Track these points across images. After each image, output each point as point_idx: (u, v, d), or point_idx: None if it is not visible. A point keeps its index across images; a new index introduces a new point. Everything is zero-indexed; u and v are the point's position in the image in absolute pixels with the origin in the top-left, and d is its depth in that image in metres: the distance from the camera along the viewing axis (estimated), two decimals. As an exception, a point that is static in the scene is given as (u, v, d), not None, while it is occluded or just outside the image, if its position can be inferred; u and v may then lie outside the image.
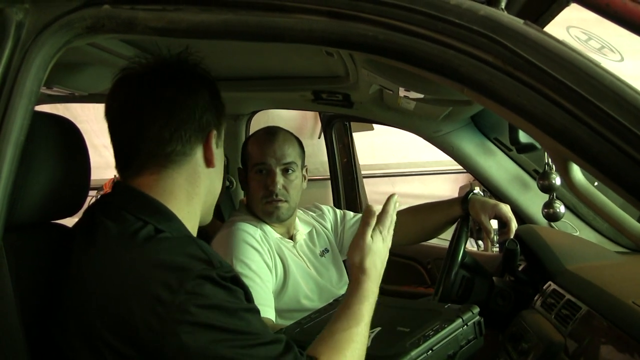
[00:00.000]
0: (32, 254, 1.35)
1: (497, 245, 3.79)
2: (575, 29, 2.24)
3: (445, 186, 6.53)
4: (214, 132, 1.48)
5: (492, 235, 2.48)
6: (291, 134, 2.53)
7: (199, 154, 1.46)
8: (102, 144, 6.97)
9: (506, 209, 2.42)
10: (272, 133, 2.47)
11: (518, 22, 1.08)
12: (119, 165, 1.46)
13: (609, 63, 2.23)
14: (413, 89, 1.99)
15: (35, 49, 1.20)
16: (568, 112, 1.03)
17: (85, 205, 1.53)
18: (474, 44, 1.07)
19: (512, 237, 2.37)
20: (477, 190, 2.65)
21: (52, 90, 2.34)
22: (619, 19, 1.10)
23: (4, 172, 1.15)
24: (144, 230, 1.29)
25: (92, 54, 1.92)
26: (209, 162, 1.47)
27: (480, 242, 5.50)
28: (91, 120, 6.72)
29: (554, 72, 1.03)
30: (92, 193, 5.71)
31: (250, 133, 3.49)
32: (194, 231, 1.47)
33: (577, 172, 1.48)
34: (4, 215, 1.16)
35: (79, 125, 1.50)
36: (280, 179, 2.40)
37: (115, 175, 5.62)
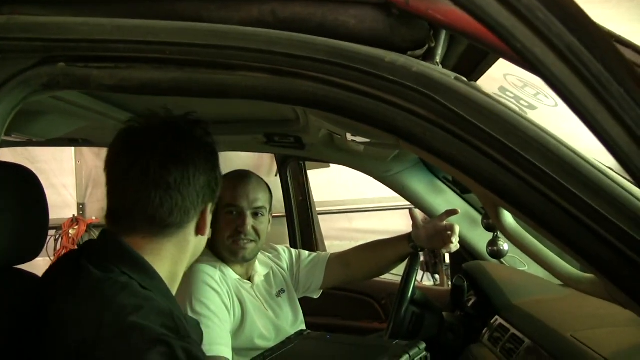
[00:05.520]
0: None
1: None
2: (511, 76, 2.32)
3: (401, 221, 6.56)
4: (210, 204, 1.52)
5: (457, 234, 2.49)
6: (261, 178, 2.59)
7: (192, 224, 1.49)
8: (60, 183, 7.00)
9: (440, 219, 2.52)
10: (245, 177, 2.53)
11: (449, 77, 1.12)
12: (110, 218, 1.47)
13: (544, 108, 2.33)
14: (358, 134, 2.05)
15: (-6, 105, 1.24)
16: (496, 162, 1.07)
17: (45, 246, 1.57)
18: (407, 98, 1.11)
19: (457, 240, 2.43)
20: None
21: (10, 137, 2.37)
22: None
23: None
24: (129, 285, 1.31)
25: (49, 103, 1.94)
26: (200, 230, 1.51)
27: (436, 276, 5.56)
28: (49, 161, 6.70)
29: (482, 124, 1.07)
30: (51, 232, 5.60)
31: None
32: (174, 289, 1.49)
33: (508, 216, 1.54)
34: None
35: (38, 165, 1.54)
36: (250, 221, 2.45)
37: (74, 215, 5.53)
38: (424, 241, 2.52)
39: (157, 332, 1.20)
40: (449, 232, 2.44)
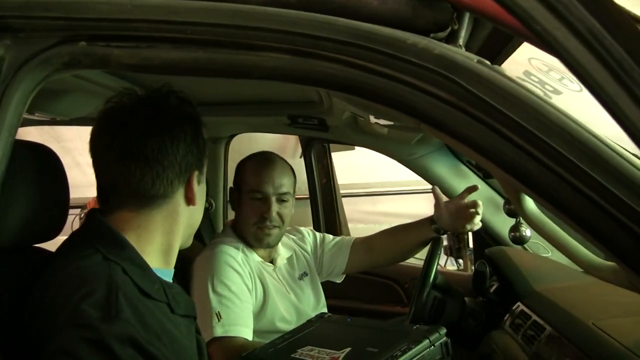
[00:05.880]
0: (12, 276, 1.38)
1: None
2: (536, 60, 2.29)
3: (425, 205, 6.52)
4: (196, 172, 1.51)
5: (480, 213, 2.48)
6: (286, 162, 2.59)
7: (180, 194, 1.49)
8: (86, 162, 6.95)
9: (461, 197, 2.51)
10: (270, 161, 2.52)
11: (471, 60, 1.10)
12: (99, 198, 1.51)
13: (569, 93, 2.30)
14: (381, 117, 2.03)
15: (16, 83, 1.24)
16: (517, 147, 1.06)
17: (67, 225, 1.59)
18: (429, 81, 1.10)
19: (479, 217, 2.42)
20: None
21: (34, 116, 2.38)
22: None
23: (-15, 201, 1.19)
24: (85, 259, 1.33)
25: (72, 82, 1.96)
26: (189, 200, 1.51)
27: (460, 261, 5.53)
28: (75, 139, 6.71)
29: (504, 108, 1.06)
30: (76, 211, 5.59)
31: (229, 154, 3.53)
32: (170, 260, 1.52)
33: (529, 202, 1.53)
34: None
35: (63, 144, 1.55)
36: (275, 207, 2.45)
37: (99, 194, 5.49)
38: (447, 221, 2.51)
39: (84, 314, 1.20)
40: (472, 210, 2.42)
